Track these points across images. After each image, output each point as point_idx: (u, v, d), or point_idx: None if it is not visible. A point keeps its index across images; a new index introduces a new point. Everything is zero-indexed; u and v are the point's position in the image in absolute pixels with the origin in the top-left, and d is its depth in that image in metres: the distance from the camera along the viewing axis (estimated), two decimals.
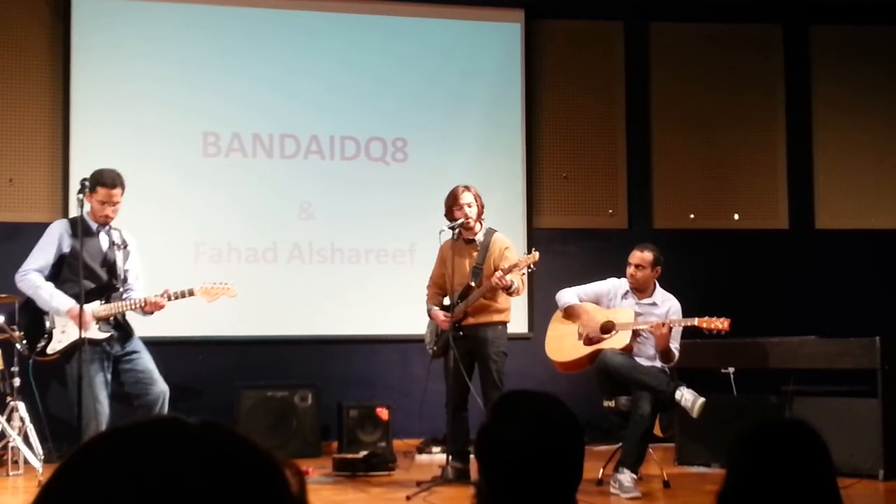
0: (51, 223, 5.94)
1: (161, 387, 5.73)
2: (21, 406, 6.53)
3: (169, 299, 5.74)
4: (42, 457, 6.48)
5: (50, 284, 5.68)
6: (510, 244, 6.60)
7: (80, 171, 7.12)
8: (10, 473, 6.51)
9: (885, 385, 6.39)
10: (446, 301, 6.51)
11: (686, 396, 6.09)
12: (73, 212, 6.04)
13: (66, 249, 5.69)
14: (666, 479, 6.36)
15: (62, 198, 7.89)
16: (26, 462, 6.43)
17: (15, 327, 6.38)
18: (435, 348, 6.59)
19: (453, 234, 6.41)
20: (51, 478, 0.86)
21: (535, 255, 6.30)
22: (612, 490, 6.03)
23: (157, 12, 8.26)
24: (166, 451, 0.84)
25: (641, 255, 6.41)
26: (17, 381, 6.59)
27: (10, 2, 8.09)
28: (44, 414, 7.02)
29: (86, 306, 5.53)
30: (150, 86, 8.18)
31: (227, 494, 0.83)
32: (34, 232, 7.80)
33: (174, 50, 8.28)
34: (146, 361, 5.80)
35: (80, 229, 5.58)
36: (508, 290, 6.31)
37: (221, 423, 0.89)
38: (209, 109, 8.32)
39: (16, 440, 6.40)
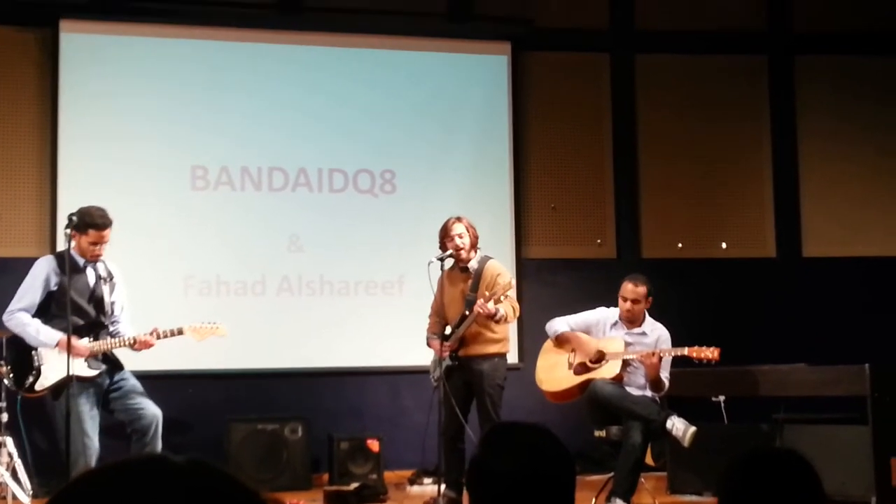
0: (38, 258, 5.92)
1: (152, 410, 5.70)
2: (9, 441, 6.48)
3: (158, 338, 5.72)
4: (31, 492, 6.43)
5: (37, 321, 5.66)
6: (503, 270, 6.63)
7: (67, 205, 7.11)
8: None
9: (876, 412, 6.39)
10: (448, 330, 6.52)
11: (677, 425, 6.08)
12: (61, 247, 6.02)
13: (54, 287, 5.66)
14: None
15: (50, 233, 7.87)
16: (14, 498, 6.37)
17: (2, 363, 6.34)
18: (437, 378, 6.59)
19: (441, 265, 6.44)
20: None
21: (511, 281, 6.43)
22: None
23: (144, 48, 8.29)
24: (152, 491, 0.83)
25: (636, 290, 6.39)
26: (4, 417, 6.55)
27: None
28: (31, 450, 6.96)
29: (76, 343, 5.53)
30: (138, 120, 8.19)
31: None
32: (21, 267, 7.76)
33: (161, 84, 8.29)
34: (135, 386, 5.78)
35: (67, 265, 5.56)
36: (495, 318, 6.32)
37: (208, 461, 0.89)
38: (197, 143, 8.32)
39: (4, 476, 6.35)
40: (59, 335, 5.59)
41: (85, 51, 8.15)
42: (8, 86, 8.08)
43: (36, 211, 8.00)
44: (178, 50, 8.37)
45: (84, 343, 5.66)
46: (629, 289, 6.40)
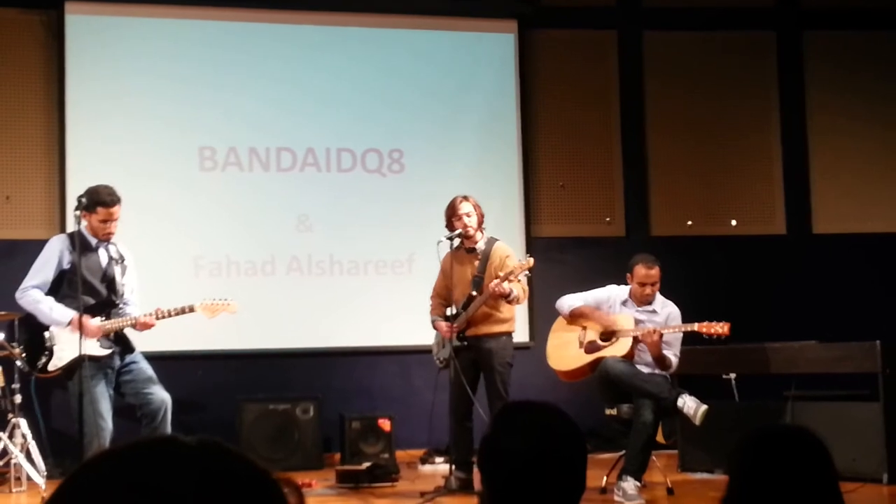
0: (48, 240, 5.95)
1: (162, 395, 5.72)
2: (23, 422, 6.51)
3: (166, 317, 5.74)
4: (45, 473, 6.46)
5: (50, 298, 5.69)
6: (511, 252, 6.60)
7: (76, 187, 7.12)
8: (13, 490, 6.49)
9: (887, 388, 6.38)
10: (450, 311, 6.51)
11: (688, 403, 6.08)
12: (71, 228, 6.03)
13: (66, 265, 5.68)
14: (670, 486, 6.35)
15: (59, 214, 7.89)
16: (29, 479, 6.40)
17: (15, 344, 6.36)
18: (442, 359, 6.59)
19: (452, 244, 6.42)
20: (49, 500, 0.86)
21: (530, 261, 6.35)
22: (616, 498, 6.02)
23: (151, 28, 8.28)
24: (163, 472, 0.83)
25: (650, 272, 6.33)
26: (18, 398, 6.57)
27: (3, 20, 8.10)
28: (46, 430, 7.01)
29: (87, 320, 5.57)
30: (146, 101, 8.19)
31: None
32: (32, 249, 7.80)
33: (169, 65, 8.28)
34: (145, 370, 5.80)
35: (77, 244, 5.60)
36: (507, 298, 6.31)
37: (219, 441, 0.89)
38: (205, 124, 8.33)
39: (18, 457, 6.38)
40: (72, 313, 5.61)
41: (91, 32, 8.14)
42: (14, 68, 8.09)
43: (45, 193, 8.02)
44: (184, 30, 8.36)
45: (96, 322, 5.67)
46: (644, 273, 6.34)
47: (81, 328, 5.54)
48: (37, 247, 7.20)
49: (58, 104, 8.05)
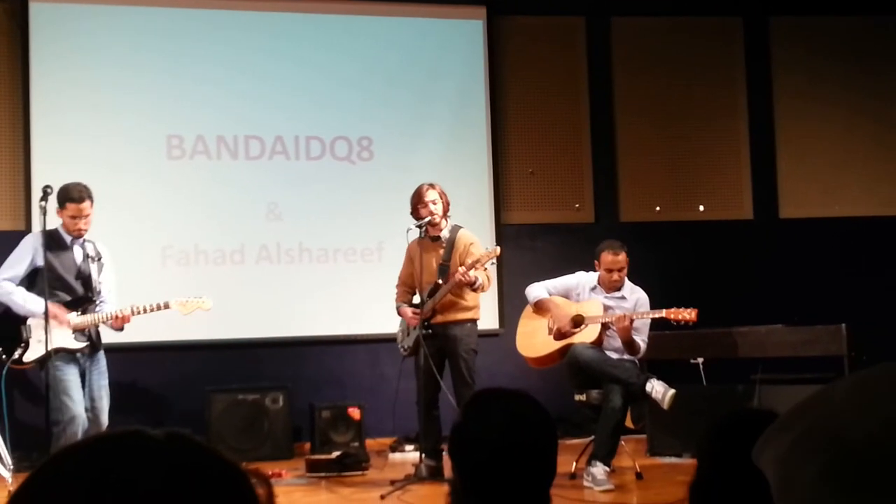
0: (12, 231, 6.03)
1: (100, 423, 5.86)
2: None
3: (141, 313, 5.91)
4: (11, 467, 6.40)
5: (21, 289, 5.83)
6: (475, 240, 6.61)
7: (41, 178, 7.07)
8: None
9: (852, 371, 6.43)
10: (416, 300, 6.51)
11: (656, 388, 6.13)
12: (36, 219, 6.16)
13: (40, 262, 5.80)
14: (638, 470, 6.40)
15: (24, 206, 7.81)
16: None
17: None
18: (406, 347, 6.60)
19: (420, 233, 6.42)
20: (12, 496, 0.85)
21: (497, 249, 6.40)
22: (586, 483, 6.06)
23: (116, 17, 8.19)
24: (130, 467, 0.83)
25: (617, 258, 6.38)
26: None
27: None
28: (12, 424, 6.93)
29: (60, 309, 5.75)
30: (111, 91, 8.11)
31: None
32: None
33: (135, 54, 8.21)
34: (100, 391, 5.94)
35: (44, 241, 5.75)
36: (473, 286, 6.32)
37: (186, 434, 0.88)
38: (172, 113, 8.26)
39: None
40: (43, 302, 5.68)
41: (55, 21, 8.04)
42: None
43: (10, 184, 7.93)
44: (150, 19, 8.28)
45: (72, 317, 5.81)
46: (611, 259, 6.39)
47: (48, 318, 5.61)
48: (1, 238, 7.12)
49: (22, 93, 7.95)
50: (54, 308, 5.71)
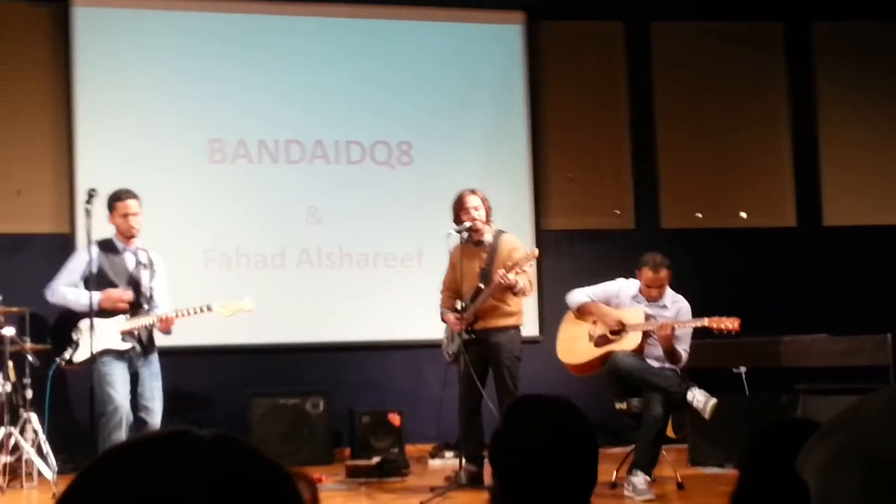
0: (58, 234, 6.27)
1: (154, 420, 6.10)
2: (34, 417, 6.52)
3: (184, 316, 6.11)
4: (56, 469, 6.48)
5: (74, 289, 6.10)
6: (518, 244, 6.60)
7: (86, 180, 7.16)
8: (25, 486, 6.50)
9: None
10: (459, 305, 6.50)
11: (698, 397, 6.08)
12: (80, 222, 6.42)
13: (94, 269, 6.06)
14: (680, 480, 6.35)
15: (69, 208, 7.90)
16: (40, 474, 6.42)
17: (27, 338, 6.57)
18: (450, 353, 6.59)
19: (461, 238, 6.42)
20: (59, 498, 0.85)
21: (535, 251, 6.42)
22: (626, 493, 6.02)
23: (159, 21, 8.28)
24: (176, 469, 0.83)
25: (658, 276, 6.31)
26: (29, 393, 6.59)
27: (11, 14, 8.09)
28: (58, 425, 7.01)
29: (112, 320, 6.02)
30: (155, 94, 8.19)
31: None
32: (42, 243, 7.84)
33: (177, 58, 8.29)
34: (153, 392, 6.15)
35: (89, 240, 5.95)
36: (513, 290, 6.31)
37: (232, 436, 0.88)
38: (214, 117, 8.33)
39: (30, 452, 6.40)
40: (97, 294, 5.98)
41: (98, 25, 8.14)
42: (22, 62, 8.08)
43: (55, 187, 8.03)
44: (192, 23, 8.36)
45: (121, 320, 6.05)
46: (650, 276, 6.33)
47: (92, 321, 5.81)
48: (47, 240, 7.25)
49: (66, 98, 8.05)
50: (112, 291, 6.01)
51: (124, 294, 6.05)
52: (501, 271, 6.22)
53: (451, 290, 6.66)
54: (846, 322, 7.26)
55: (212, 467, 0.84)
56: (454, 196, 6.59)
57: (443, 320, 6.65)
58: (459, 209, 6.50)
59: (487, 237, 6.54)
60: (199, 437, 0.87)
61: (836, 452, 0.89)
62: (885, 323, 6.92)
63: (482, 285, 6.41)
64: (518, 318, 6.52)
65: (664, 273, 6.34)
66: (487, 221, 6.54)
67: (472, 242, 6.52)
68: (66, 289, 6.11)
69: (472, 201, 6.48)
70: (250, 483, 0.85)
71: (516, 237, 6.79)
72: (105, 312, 5.98)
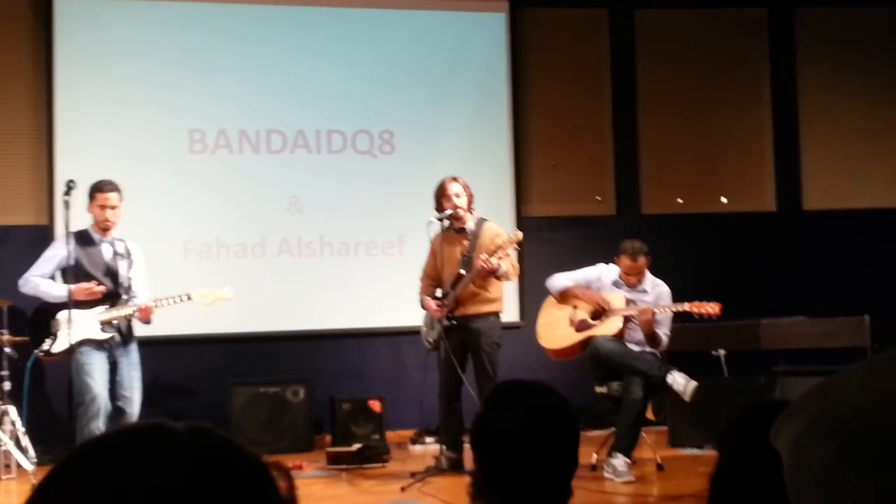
0: (36, 226, 6.24)
1: (132, 410, 6.10)
2: (12, 410, 6.50)
3: (163, 305, 6.11)
4: (35, 460, 6.46)
5: (48, 280, 6.11)
6: (501, 231, 6.60)
7: (65, 172, 7.13)
8: (3, 477, 6.49)
9: None
10: (439, 292, 6.51)
11: (678, 380, 6.11)
12: (59, 214, 6.39)
13: (71, 261, 6.02)
14: (659, 462, 6.39)
15: (48, 200, 7.84)
16: (19, 466, 6.40)
17: (4, 331, 6.54)
18: (430, 340, 6.59)
19: (442, 225, 6.42)
20: (36, 489, 0.85)
21: (518, 234, 6.41)
22: (607, 475, 6.06)
23: (139, 11, 8.22)
24: (151, 463, 0.83)
25: (636, 265, 6.36)
26: (7, 385, 6.57)
27: None
28: (36, 417, 6.99)
29: (91, 310, 6.00)
30: (135, 85, 8.14)
31: (214, 502, 0.82)
32: (21, 235, 7.79)
33: (157, 48, 8.23)
34: (132, 382, 6.15)
35: (69, 235, 5.97)
36: (496, 274, 6.31)
37: (207, 427, 0.88)
38: (194, 107, 8.29)
39: (8, 444, 6.38)
40: (68, 286, 5.98)
41: (79, 15, 8.08)
42: (1, 52, 8.01)
43: (33, 178, 7.97)
44: (172, 13, 8.30)
45: (99, 310, 6.02)
46: (628, 265, 6.38)
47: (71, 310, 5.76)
48: (25, 232, 7.20)
49: (46, 88, 7.99)
50: (83, 284, 5.97)
51: (95, 286, 6.01)
52: (484, 255, 6.23)
53: (431, 278, 6.67)
54: (826, 305, 7.31)
55: (186, 460, 0.84)
56: (436, 184, 6.59)
57: (422, 307, 6.66)
58: (441, 196, 6.50)
59: (469, 224, 6.54)
60: (174, 430, 0.87)
61: (809, 424, 0.90)
62: (863, 305, 6.97)
63: (463, 271, 6.41)
64: (498, 304, 6.53)
65: (642, 261, 6.37)
66: (469, 209, 6.54)
67: (453, 230, 6.52)
68: (40, 280, 6.10)
69: (454, 188, 6.48)
70: (225, 474, 0.85)
71: (498, 224, 6.79)
72: (83, 303, 5.96)
